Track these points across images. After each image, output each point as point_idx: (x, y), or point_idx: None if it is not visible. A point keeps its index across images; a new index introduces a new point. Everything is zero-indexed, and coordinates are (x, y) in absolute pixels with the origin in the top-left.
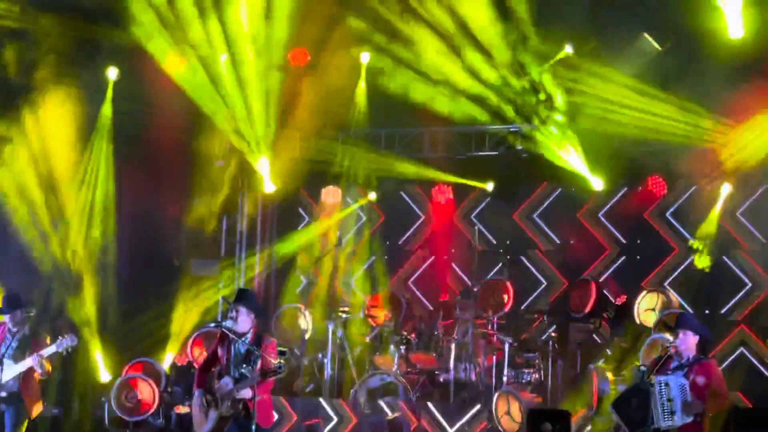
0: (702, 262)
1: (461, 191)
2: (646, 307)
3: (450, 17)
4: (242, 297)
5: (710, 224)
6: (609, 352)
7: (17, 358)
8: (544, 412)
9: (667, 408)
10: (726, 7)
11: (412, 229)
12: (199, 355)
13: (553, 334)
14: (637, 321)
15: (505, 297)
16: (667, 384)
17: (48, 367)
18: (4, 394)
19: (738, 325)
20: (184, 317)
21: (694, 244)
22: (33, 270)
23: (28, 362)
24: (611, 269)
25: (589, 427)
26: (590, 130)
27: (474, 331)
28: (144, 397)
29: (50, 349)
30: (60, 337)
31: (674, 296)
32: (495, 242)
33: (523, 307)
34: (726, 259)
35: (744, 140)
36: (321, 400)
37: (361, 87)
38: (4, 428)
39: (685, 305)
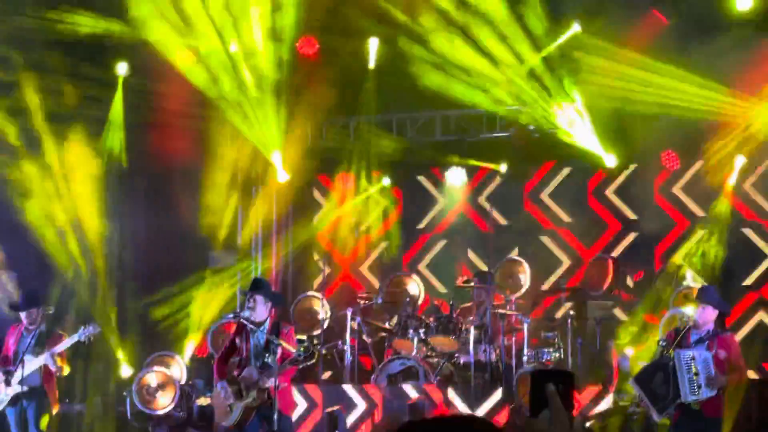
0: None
1: (475, 174)
2: (664, 282)
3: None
4: (258, 286)
5: (724, 197)
6: (627, 328)
7: (37, 353)
8: (548, 372)
9: (694, 382)
10: None
11: (427, 213)
12: (219, 346)
13: (571, 313)
14: (655, 296)
15: (522, 277)
16: (693, 358)
17: (62, 364)
18: (26, 388)
19: (755, 297)
20: (203, 310)
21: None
22: (49, 267)
23: (42, 359)
24: (627, 245)
25: (609, 405)
26: (601, 107)
27: (492, 312)
28: (165, 390)
29: (69, 341)
30: (82, 327)
31: (691, 270)
32: (510, 222)
33: (541, 287)
34: (743, 231)
35: (756, 112)
36: (342, 386)
37: (371, 73)
38: (28, 424)
39: (701, 280)
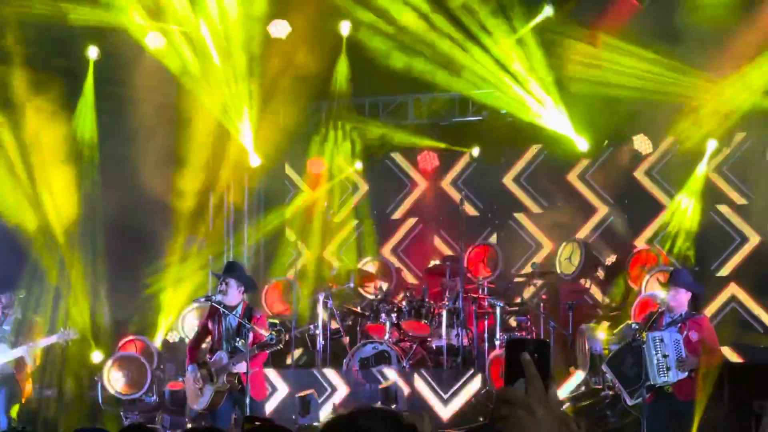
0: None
1: (447, 157)
2: (637, 266)
3: None
4: (231, 269)
5: (696, 180)
6: (600, 312)
7: (12, 343)
8: (523, 341)
9: (662, 364)
10: None
11: (399, 197)
12: (190, 330)
13: (543, 297)
14: (628, 280)
15: (494, 261)
16: (661, 340)
17: (38, 358)
18: None
19: (728, 281)
20: (174, 294)
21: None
22: (18, 250)
23: (19, 352)
24: (600, 230)
25: (582, 388)
26: (574, 92)
27: (464, 296)
28: (136, 375)
29: (48, 340)
30: (62, 329)
31: (664, 254)
32: (482, 207)
33: (513, 271)
34: (714, 215)
35: (727, 95)
36: (314, 371)
37: (343, 57)
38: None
39: (675, 263)
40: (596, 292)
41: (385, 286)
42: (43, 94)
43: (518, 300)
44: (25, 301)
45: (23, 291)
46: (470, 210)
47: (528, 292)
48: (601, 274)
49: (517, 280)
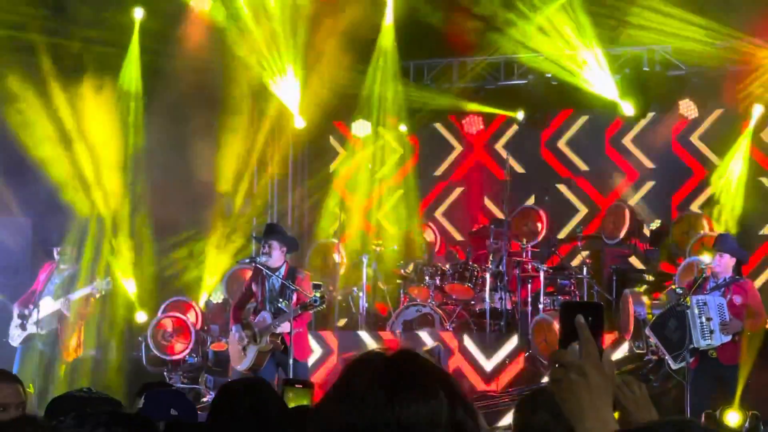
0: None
1: (492, 121)
2: (681, 231)
3: None
4: (272, 231)
5: (742, 146)
6: (644, 276)
7: (57, 296)
8: (577, 304)
9: (705, 327)
10: None
11: (443, 161)
12: (235, 291)
13: (587, 261)
14: (672, 245)
15: (539, 225)
16: (705, 303)
17: (81, 310)
18: (42, 331)
19: None
20: (218, 256)
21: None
22: (64, 212)
23: (57, 305)
24: (644, 194)
25: (626, 352)
26: (619, 55)
27: (508, 260)
28: (180, 336)
29: (81, 292)
30: (96, 279)
31: (708, 219)
32: (527, 171)
33: (557, 235)
34: (760, 180)
35: None
36: (357, 333)
37: (388, 19)
38: (43, 367)
39: (720, 228)
40: (640, 256)
41: (428, 249)
42: (88, 58)
43: (562, 264)
44: (72, 259)
45: (67, 250)
46: (515, 174)
47: (571, 256)
48: (645, 238)
49: (561, 244)
